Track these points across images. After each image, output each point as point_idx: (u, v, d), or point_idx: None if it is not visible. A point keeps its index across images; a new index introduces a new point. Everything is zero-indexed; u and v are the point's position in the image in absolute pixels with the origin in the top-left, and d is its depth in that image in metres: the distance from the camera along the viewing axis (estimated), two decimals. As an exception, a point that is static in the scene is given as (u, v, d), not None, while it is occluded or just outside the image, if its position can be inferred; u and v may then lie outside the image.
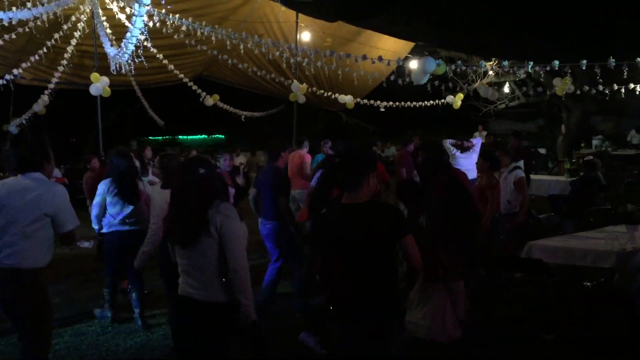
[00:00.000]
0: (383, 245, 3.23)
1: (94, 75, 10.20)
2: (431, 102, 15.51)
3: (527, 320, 5.08)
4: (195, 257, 3.28)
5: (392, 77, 12.19)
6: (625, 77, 8.19)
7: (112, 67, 8.84)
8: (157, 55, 11.98)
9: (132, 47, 7.14)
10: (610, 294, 4.71)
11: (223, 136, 27.75)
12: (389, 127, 22.02)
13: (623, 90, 11.02)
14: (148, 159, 10.05)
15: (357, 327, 3.26)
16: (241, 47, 10.39)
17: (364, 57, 9.46)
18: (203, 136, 29.42)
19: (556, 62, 8.41)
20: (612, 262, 4.83)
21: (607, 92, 11.29)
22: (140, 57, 8.16)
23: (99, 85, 10.22)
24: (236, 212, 3.33)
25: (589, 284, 5.65)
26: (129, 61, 8.13)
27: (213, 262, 3.25)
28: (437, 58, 15.49)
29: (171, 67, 12.55)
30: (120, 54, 7.67)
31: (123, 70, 8.90)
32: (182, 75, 13.20)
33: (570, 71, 9.10)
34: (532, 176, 11.35)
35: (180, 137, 27.81)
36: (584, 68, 8.01)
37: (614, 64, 7.73)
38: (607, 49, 7.53)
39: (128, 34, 6.63)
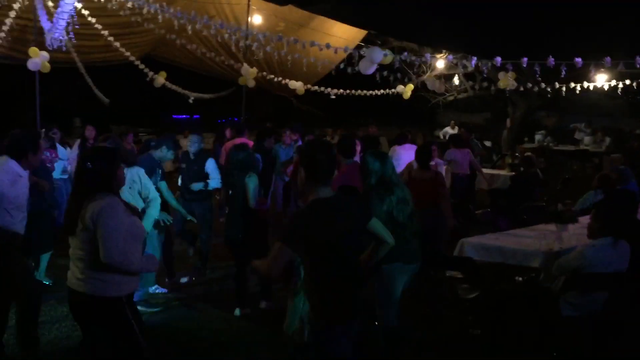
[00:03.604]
0: (360, 234, 3.30)
1: (32, 50, 9.78)
2: (381, 91, 15.59)
3: (457, 316, 5.20)
4: (75, 247, 3.30)
5: (342, 66, 12.18)
6: (562, 76, 8.39)
7: (48, 42, 8.48)
8: (102, 32, 11.60)
9: (63, 22, 6.84)
10: (535, 293, 4.84)
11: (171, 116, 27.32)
12: (340, 114, 22.06)
13: (564, 89, 11.34)
14: (91, 138, 9.75)
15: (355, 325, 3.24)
16: (189, 27, 10.17)
17: (313, 44, 9.38)
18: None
19: (499, 59, 8.55)
20: (538, 261, 4.98)
21: (548, 89, 11.59)
22: (71, 35, 7.79)
23: (38, 60, 9.82)
24: (120, 207, 3.26)
25: (520, 278, 5.84)
26: (62, 37, 7.78)
27: (89, 254, 3.23)
28: (388, 47, 15.66)
29: (117, 44, 12.16)
30: (52, 29, 7.36)
31: (57, 46, 8.53)
32: (128, 54, 12.80)
33: (511, 68, 9.27)
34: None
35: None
36: (524, 66, 8.18)
37: (554, 63, 7.90)
38: (548, 48, 7.71)
39: (59, 9, 6.36)
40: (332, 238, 3.10)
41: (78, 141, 9.84)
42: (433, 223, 5.88)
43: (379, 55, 8.28)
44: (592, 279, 4.34)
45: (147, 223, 5.33)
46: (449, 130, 18.27)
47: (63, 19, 6.66)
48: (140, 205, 5.31)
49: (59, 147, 9.43)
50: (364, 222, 3.33)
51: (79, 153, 9.58)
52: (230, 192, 5.93)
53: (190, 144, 7.27)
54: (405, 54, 9.55)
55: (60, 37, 7.85)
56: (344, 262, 3.15)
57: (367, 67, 8.64)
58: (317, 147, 3.31)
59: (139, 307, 5.56)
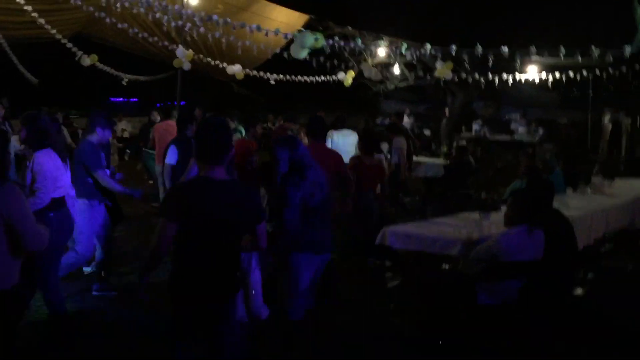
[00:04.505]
0: (243, 227, 3.19)
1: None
2: (322, 77, 15.48)
3: (374, 304, 5.15)
4: None
5: (278, 50, 11.99)
6: (490, 65, 8.46)
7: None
8: (25, 8, 11.00)
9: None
10: (453, 281, 4.83)
11: (108, 98, 26.39)
12: (283, 101, 21.83)
13: (497, 80, 11.51)
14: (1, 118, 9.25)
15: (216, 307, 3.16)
16: (117, 5, 9.76)
17: (243, 25, 9.12)
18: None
19: (428, 46, 8.55)
20: (457, 249, 4.97)
21: (482, 80, 11.74)
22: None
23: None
24: (21, 193, 3.07)
25: (447, 266, 5.86)
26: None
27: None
28: (330, 33, 15.54)
29: (41, 21, 11.55)
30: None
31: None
32: (54, 32, 12.20)
33: (440, 56, 9.29)
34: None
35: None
36: (452, 54, 8.21)
37: (481, 52, 7.94)
38: (478, 37, 7.74)
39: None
40: (200, 221, 3.01)
41: None
42: (369, 207, 5.87)
43: (309, 40, 8.13)
44: (507, 267, 4.35)
45: None
46: (404, 118, 18.35)
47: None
48: None
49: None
50: (253, 219, 3.22)
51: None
52: None
53: None
54: (336, 39, 9.40)
55: None
56: (210, 244, 3.06)
57: (298, 52, 8.48)
58: (210, 126, 3.18)
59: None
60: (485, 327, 4.48)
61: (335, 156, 5.81)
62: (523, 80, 11.84)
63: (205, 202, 3.01)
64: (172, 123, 8.60)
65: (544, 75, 11.51)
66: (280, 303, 4.22)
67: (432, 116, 20.04)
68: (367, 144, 6.68)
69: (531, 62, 10.77)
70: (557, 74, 11.31)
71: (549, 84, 11.25)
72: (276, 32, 9.04)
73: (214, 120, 3.27)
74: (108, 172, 5.71)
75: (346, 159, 7.35)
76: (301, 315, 4.13)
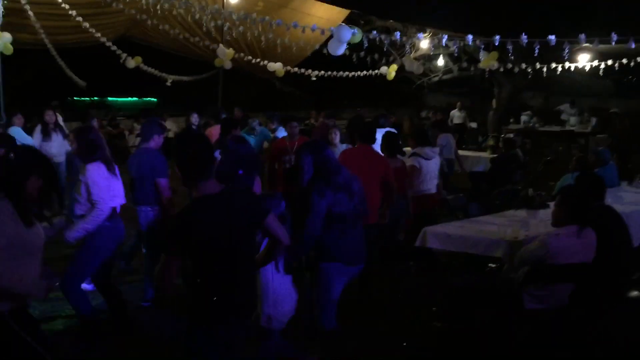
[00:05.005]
0: (252, 232, 3.07)
1: (-7, 32, 9.41)
2: (364, 72, 15.23)
3: (418, 309, 4.96)
4: None
5: (317, 47, 11.84)
6: (535, 55, 8.00)
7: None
8: (70, 12, 11.20)
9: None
10: (497, 284, 4.59)
11: (155, 99, 26.75)
12: (325, 96, 21.70)
13: (545, 69, 11.04)
14: (52, 124, 9.38)
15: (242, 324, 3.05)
16: (158, 7, 9.82)
17: (279, 23, 9.00)
18: (134, 99, 28.22)
19: (470, 37, 8.20)
20: (501, 251, 4.72)
21: (529, 70, 11.29)
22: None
23: (0, 42, 9.44)
24: (4, 213, 2.87)
25: (493, 265, 5.60)
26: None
27: None
28: (371, 28, 15.29)
29: (86, 25, 11.74)
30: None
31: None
32: (99, 35, 12.39)
33: (482, 47, 8.92)
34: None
35: (109, 98, 26.61)
36: (496, 44, 7.80)
37: (527, 41, 7.53)
38: (525, 27, 7.38)
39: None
40: (215, 237, 2.86)
41: (39, 126, 9.44)
42: (395, 213, 5.61)
43: (347, 34, 7.94)
44: (555, 271, 4.09)
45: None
46: (455, 113, 17.99)
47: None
48: None
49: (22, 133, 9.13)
50: (258, 218, 3.07)
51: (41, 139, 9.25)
52: None
53: None
54: (374, 32, 9.15)
55: None
56: (229, 261, 2.91)
57: (336, 47, 8.30)
58: (185, 141, 3.06)
59: None
60: (533, 333, 4.23)
61: (378, 160, 5.49)
62: (573, 69, 11.32)
63: (210, 225, 2.86)
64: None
65: (595, 62, 10.98)
66: (309, 312, 4.07)
67: (478, 108, 19.51)
68: (390, 145, 6.33)
69: (581, 49, 10.29)
70: (610, 61, 10.77)
71: (601, 72, 10.69)
72: (313, 29, 8.89)
73: (187, 136, 3.16)
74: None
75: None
76: (334, 324, 3.99)
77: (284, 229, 3.23)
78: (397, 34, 9.27)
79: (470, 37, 8.30)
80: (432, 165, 6.57)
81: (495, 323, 4.41)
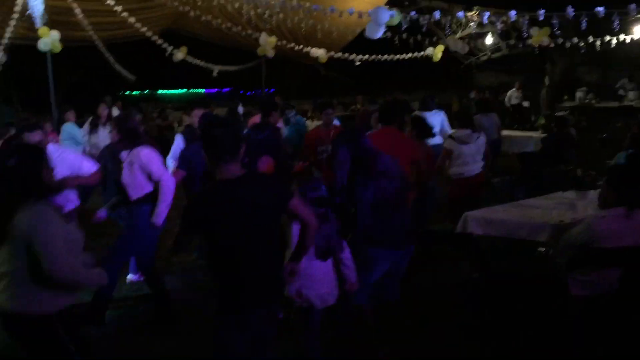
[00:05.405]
0: (276, 216, 3.03)
1: (43, 30, 9.67)
2: (409, 54, 14.94)
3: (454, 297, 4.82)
4: (1, 260, 2.94)
5: (358, 31, 11.64)
6: (583, 29, 7.58)
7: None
8: (116, 8, 11.41)
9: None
10: (542, 270, 4.40)
11: (203, 90, 27.13)
12: (371, 81, 21.44)
13: (609, 40, 10.45)
14: (104, 118, 9.62)
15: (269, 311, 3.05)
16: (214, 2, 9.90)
17: (317, 8, 8.84)
18: (182, 90, 28.70)
19: (513, 12, 7.86)
20: (546, 235, 4.52)
21: (582, 45, 10.78)
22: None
23: (48, 40, 9.72)
24: (53, 214, 2.95)
25: (542, 249, 5.38)
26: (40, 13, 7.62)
27: (20, 268, 2.90)
28: (415, 8, 14.94)
29: (132, 20, 11.94)
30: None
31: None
32: (144, 29, 12.59)
33: (526, 22, 8.56)
34: (504, 132, 10.89)
35: (159, 91, 27.15)
36: (541, 18, 7.43)
37: (573, 14, 7.13)
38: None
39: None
40: (233, 220, 2.84)
41: (89, 119, 9.71)
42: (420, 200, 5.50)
43: (385, 16, 7.75)
44: (600, 255, 3.87)
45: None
46: (513, 93, 17.47)
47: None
48: None
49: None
50: (283, 200, 3.02)
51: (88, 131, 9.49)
52: None
53: None
54: (413, 13, 8.88)
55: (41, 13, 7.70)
56: (251, 247, 2.88)
57: (374, 31, 8.12)
58: (213, 122, 3.03)
59: None
60: (580, 321, 4.03)
61: (408, 144, 5.41)
62: (628, 41, 10.73)
63: (230, 207, 2.84)
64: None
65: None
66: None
67: (531, 86, 18.84)
68: (420, 129, 6.17)
69: (636, 20, 9.72)
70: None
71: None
72: (350, 12, 8.73)
73: (213, 117, 3.14)
74: None
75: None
76: (364, 300, 3.94)
77: (310, 211, 3.18)
78: (437, 14, 8.98)
79: (513, 12, 7.96)
80: (470, 149, 6.38)
81: (540, 309, 4.24)
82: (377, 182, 3.95)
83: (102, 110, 9.73)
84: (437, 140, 7.28)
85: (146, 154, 4.78)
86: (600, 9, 7.07)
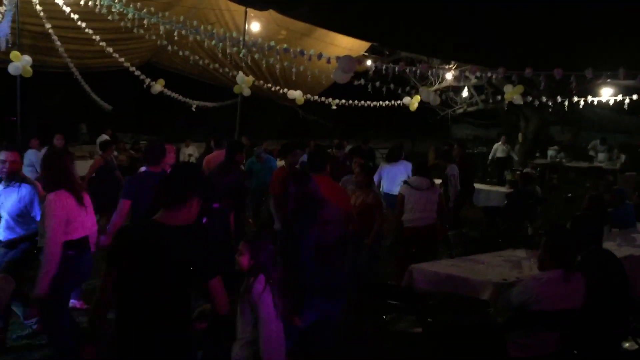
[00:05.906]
0: (185, 278, 2.85)
1: (14, 54, 9.60)
2: (385, 102, 15.12)
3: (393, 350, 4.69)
4: None
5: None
6: (573, 88, 7.66)
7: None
8: (94, 37, 11.43)
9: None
10: (481, 330, 4.32)
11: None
12: (350, 126, 21.60)
13: (566, 103, 10.73)
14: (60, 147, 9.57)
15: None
16: (175, 34, 9.98)
17: (302, 53, 8.92)
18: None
19: (501, 70, 7.96)
20: (488, 293, 4.45)
21: (550, 104, 10.99)
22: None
23: (19, 64, 9.64)
24: None
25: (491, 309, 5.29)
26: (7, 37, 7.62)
27: None
28: (396, 58, 15.19)
29: (109, 50, 11.96)
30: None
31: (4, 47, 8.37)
32: (122, 60, 12.60)
33: (516, 81, 8.72)
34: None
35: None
36: (528, 77, 7.52)
37: (561, 75, 7.20)
38: (556, 60, 7.10)
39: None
40: (137, 265, 2.77)
41: (45, 149, 9.71)
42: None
43: (351, 65, 7.84)
44: (538, 317, 3.80)
45: None
46: (499, 146, 17.57)
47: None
48: None
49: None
50: (204, 274, 2.86)
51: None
52: None
53: None
54: (384, 67, 8.94)
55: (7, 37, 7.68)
56: (138, 304, 2.78)
57: (341, 77, 8.20)
58: (174, 170, 3.15)
59: None
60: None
61: (341, 192, 5.43)
62: (596, 102, 10.95)
63: (147, 246, 2.77)
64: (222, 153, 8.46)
65: (619, 97, 10.60)
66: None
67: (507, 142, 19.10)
68: (367, 173, 6.30)
69: (606, 83, 9.93)
70: (635, 96, 10.37)
71: (625, 106, 10.29)
72: (319, 57, 8.81)
73: (181, 165, 3.10)
74: None
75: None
76: (291, 344, 3.79)
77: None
78: (412, 69, 9.11)
79: (501, 70, 8.07)
80: (423, 195, 6.34)
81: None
82: (318, 228, 3.90)
83: (57, 141, 9.77)
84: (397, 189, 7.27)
85: (51, 201, 4.13)
86: (559, 70, 7.18)
